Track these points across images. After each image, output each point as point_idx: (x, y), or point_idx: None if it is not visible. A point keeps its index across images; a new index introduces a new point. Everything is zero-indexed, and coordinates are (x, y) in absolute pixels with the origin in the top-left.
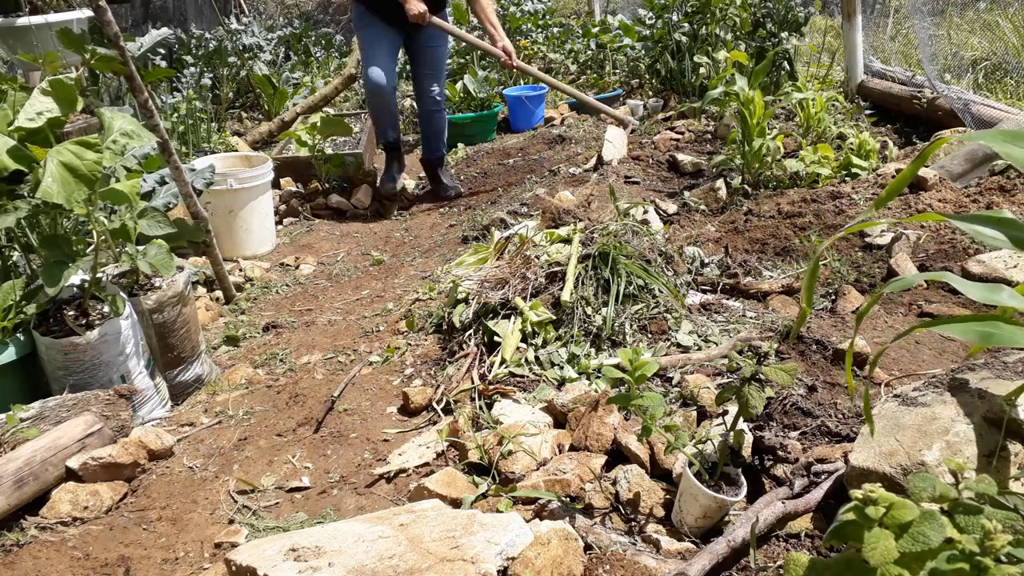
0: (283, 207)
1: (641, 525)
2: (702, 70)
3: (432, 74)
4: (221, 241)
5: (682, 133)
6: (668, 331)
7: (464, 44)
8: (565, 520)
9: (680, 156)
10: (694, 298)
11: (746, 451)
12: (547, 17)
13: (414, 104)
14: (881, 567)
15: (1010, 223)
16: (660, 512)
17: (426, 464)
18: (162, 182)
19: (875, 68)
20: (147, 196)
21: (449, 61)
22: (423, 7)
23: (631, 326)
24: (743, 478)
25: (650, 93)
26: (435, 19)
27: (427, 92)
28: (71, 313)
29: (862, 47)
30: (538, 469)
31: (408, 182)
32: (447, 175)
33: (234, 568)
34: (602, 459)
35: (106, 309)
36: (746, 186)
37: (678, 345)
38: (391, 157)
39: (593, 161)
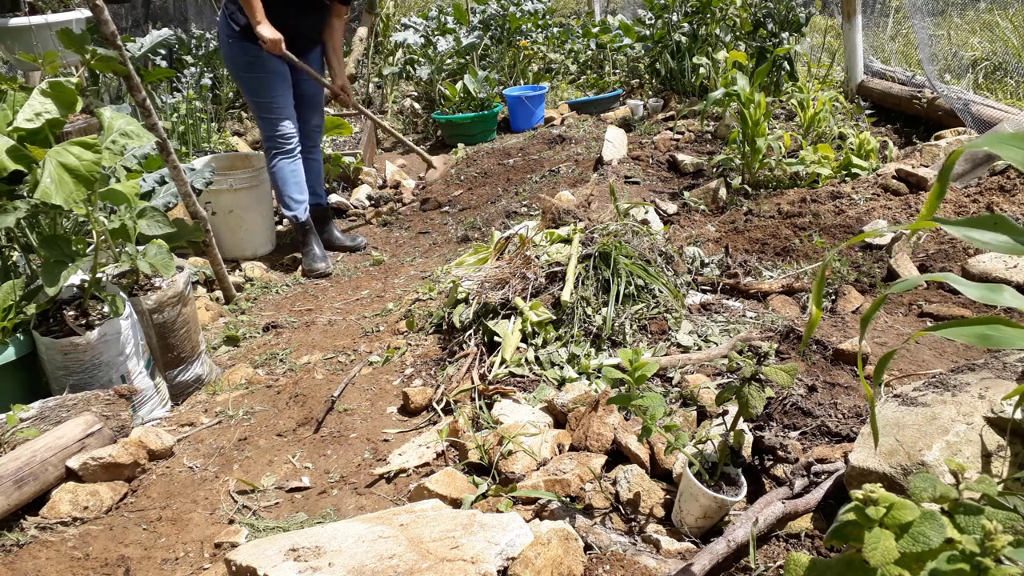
0: None
1: (641, 525)
2: (702, 70)
3: (316, 112)
4: (221, 241)
5: (682, 133)
6: (668, 331)
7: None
8: (565, 520)
9: (680, 156)
10: (694, 298)
11: (746, 451)
12: (547, 17)
13: (414, 104)
14: (881, 567)
15: (1006, 227)
16: (660, 512)
17: (426, 464)
18: (162, 182)
19: (875, 68)
20: (147, 196)
21: (449, 61)
22: (278, 34)
23: (631, 326)
24: (743, 478)
25: (650, 93)
26: (288, 54)
27: (309, 129)
28: (71, 313)
29: (862, 47)
30: (538, 469)
31: (408, 181)
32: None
33: (234, 568)
34: (602, 459)
35: (106, 309)
36: (746, 186)
37: (678, 345)
38: (312, 229)
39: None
